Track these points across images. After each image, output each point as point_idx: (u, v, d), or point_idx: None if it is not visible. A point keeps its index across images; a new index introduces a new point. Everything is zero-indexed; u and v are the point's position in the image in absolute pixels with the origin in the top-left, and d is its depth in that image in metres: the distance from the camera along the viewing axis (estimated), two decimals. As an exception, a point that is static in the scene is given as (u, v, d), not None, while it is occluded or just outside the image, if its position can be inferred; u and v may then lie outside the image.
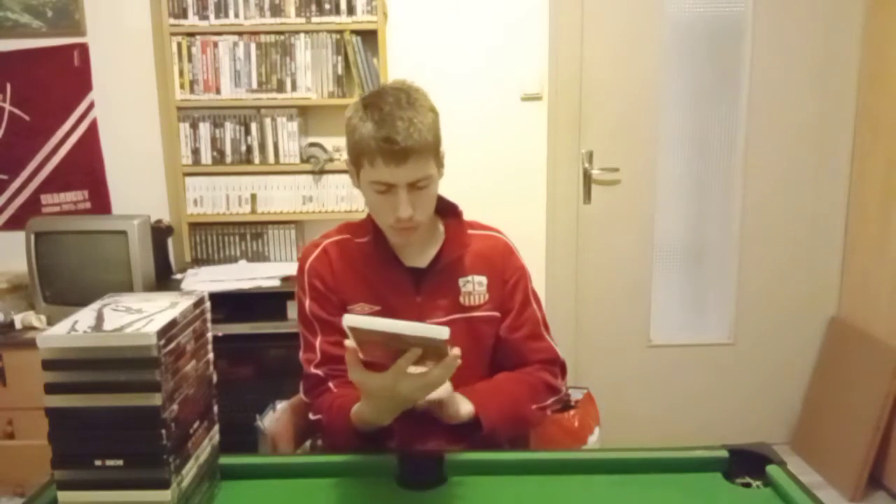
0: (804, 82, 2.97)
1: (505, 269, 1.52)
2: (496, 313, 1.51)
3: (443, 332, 1.06)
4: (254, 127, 2.85)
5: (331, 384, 1.44)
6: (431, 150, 1.35)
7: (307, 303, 1.48)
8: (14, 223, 2.91)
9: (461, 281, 1.48)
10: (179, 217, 2.91)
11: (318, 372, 1.45)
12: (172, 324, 1.01)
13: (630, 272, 3.09)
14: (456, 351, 1.13)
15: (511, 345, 1.53)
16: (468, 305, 1.48)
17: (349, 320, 1.09)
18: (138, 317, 1.01)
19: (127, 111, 2.91)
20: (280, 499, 1.18)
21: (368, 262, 1.47)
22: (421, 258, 1.48)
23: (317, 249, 1.50)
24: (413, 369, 1.16)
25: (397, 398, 1.20)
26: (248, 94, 2.83)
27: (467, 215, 1.58)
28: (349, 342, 1.14)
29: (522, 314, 1.53)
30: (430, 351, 1.11)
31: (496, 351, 1.55)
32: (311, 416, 1.48)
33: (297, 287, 1.51)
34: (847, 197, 3.03)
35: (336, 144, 2.92)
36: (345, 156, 3.07)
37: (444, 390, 1.31)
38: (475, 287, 1.49)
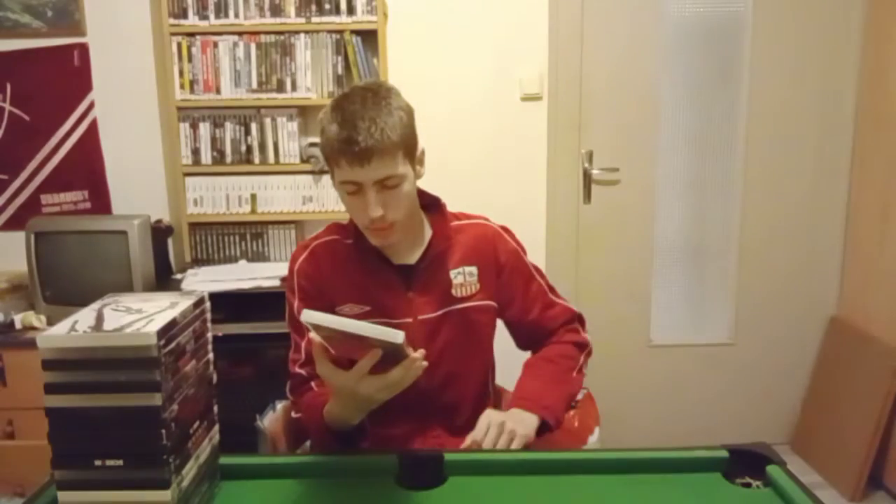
0: (804, 82, 2.97)
1: (497, 255, 1.53)
2: (491, 303, 1.52)
3: (397, 336, 1.06)
4: (254, 127, 2.85)
5: (313, 384, 1.45)
6: (398, 149, 1.33)
7: (296, 304, 1.48)
8: (14, 223, 2.91)
9: (452, 273, 1.49)
10: (179, 217, 2.91)
11: (303, 371, 1.47)
12: (172, 324, 1.01)
13: (630, 272, 3.09)
14: (417, 354, 1.13)
15: (530, 325, 1.57)
16: (460, 297, 1.49)
17: (308, 316, 1.09)
18: (138, 317, 1.01)
19: (127, 111, 2.91)
20: (280, 499, 1.18)
21: (357, 263, 1.47)
22: (409, 255, 1.49)
23: (305, 251, 1.50)
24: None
25: (359, 398, 1.19)
26: (248, 94, 2.83)
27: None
28: (314, 335, 1.14)
29: (528, 293, 1.56)
30: (392, 352, 1.11)
31: (517, 335, 1.60)
32: (293, 415, 1.49)
33: (286, 288, 1.51)
34: (847, 197, 3.03)
35: (336, 144, 2.91)
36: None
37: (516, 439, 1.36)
38: (466, 278, 1.49)
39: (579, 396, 2.68)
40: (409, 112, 1.39)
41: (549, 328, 1.58)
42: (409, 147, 1.37)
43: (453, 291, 1.49)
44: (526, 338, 1.61)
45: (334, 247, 1.50)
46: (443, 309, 1.47)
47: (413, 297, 1.47)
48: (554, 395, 1.45)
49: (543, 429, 1.41)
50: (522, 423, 1.38)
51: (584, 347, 1.58)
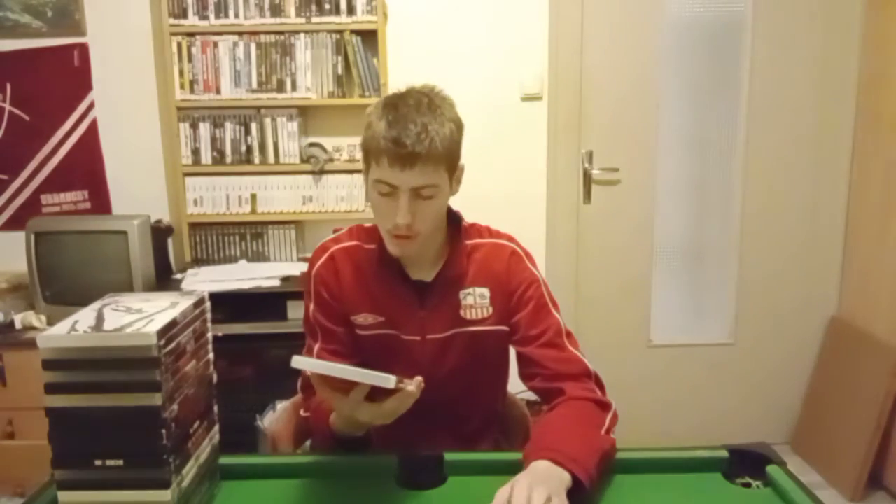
0: (804, 82, 2.97)
1: (510, 279, 1.44)
2: (502, 327, 1.45)
3: (389, 381, 1.07)
4: (254, 127, 2.85)
5: None
6: (442, 161, 1.30)
7: (311, 307, 1.47)
8: (14, 223, 2.91)
9: (461, 293, 1.43)
10: (179, 217, 2.91)
11: None
12: (172, 324, 1.01)
13: (630, 272, 3.09)
14: (412, 388, 1.14)
15: (530, 357, 1.41)
16: (470, 319, 1.43)
17: (297, 363, 1.10)
18: (138, 317, 1.01)
19: (127, 111, 2.91)
20: (280, 499, 1.18)
21: (375, 272, 1.44)
22: (427, 271, 1.45)
23: (325, 254, 1.47)
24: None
25: (358, 421, 1.22)
26: (248, 94, 2.83)
27: (469, 217, 1.56)
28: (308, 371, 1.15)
29: (536, 324, 1.42)
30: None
31: (520, 365, 1.45)
32: (302, 413, 1.49)
33: (304, 288, 1.50)
34: (847, 197, 3.03)
35: (336, 144, 2.92)
36: (344, 156, 3.09)
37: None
38: (476, 300, 1.43)
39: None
40: (459, 126, 1.36)
41: (550, 369, 1.38)
42: (451, 161, 1.34)
43: (462, 313, 1.43)
44: (528, 374, 1.42)
45: (354, 253, 1.46)
46: (452, 330, 1.43)
47: (424, 316, 1.43)
48: (580, 448, 1.17)
49: (574, 491, 1.12)
50: (549, 480, 1.09)
51: (606, 407, 1.33)
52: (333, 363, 1.13)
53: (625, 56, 2.95)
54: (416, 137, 1.26)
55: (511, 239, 1.51)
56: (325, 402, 1.33)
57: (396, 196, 1.30)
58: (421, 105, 1.30)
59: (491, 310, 1.44)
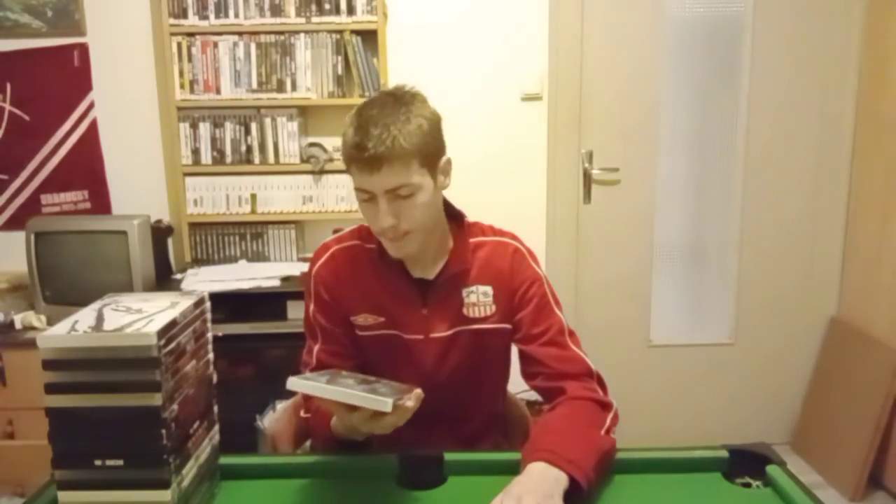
0: (804, 82, 2.97)
1: (514, 277, 1.44)
2: (506, 325, 1.44)
3: (386, 405, 1.07)
4: (254, 127, 2.85)
5: None
6: (412, 158, 1.27)
7: (311, 307, 1.47)
8: (14, 223, 2.91)
9: (464, 291, 1.43)
10: (179, 217, 2.91)
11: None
12: (172, 324, 1.01)
13: (630, 272, 3.09)
14: (410, 403, 1.14)
15: (532, 355, 1.41)
16: (473, 317, 1.43)
17: (293, 384, 1.10)
18: (138, 317, 1.01)
19: (127, 111, 2.91)
20: (280, 499, 1.18)
21: (376, 272, 1.43)
22: (429, 269, 1.44)
23: (326, 253, 1.47)
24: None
25: (359, 431, 1.23)
26: (248, 94, 2.83)
27: (469, 217, 1.56)
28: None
29: (539, 322, 1.42)
30: None
31: (522, 363, 1.45)
32: (302, 414, 1.49)
33: (304, 288, 1.50)
34: (847, 197, 3.03)
35: (336, 144, 2.92)
36: (345, 156, 3.06)
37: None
38: (479, 298, 1.43)
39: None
40: (433, 120, 1.33)
41: (553, 368, 1.38)
42: (427, 156, 1.31)
43: (465, 311, 1.42)
44: (530, 373, 1.42)
45: (355, 253, 1.46)
46: (455, 328, 1.43)
47: (427, 315, 1.43)
48: (578, 449, 1.17)
49: (572, 492, 1.12)
50: (543, 484, 1.10)
51: (607, 407, 1.34)
52: (329, 386, 1.12)
53: (625, 56, 2.95)
54: (377, 139, 1.25)
55: (514, 237, 1.51)
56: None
57: (375, 200, 1.30)
58: (385, 107, 1.29)
59: (494, 308, 1.44)
